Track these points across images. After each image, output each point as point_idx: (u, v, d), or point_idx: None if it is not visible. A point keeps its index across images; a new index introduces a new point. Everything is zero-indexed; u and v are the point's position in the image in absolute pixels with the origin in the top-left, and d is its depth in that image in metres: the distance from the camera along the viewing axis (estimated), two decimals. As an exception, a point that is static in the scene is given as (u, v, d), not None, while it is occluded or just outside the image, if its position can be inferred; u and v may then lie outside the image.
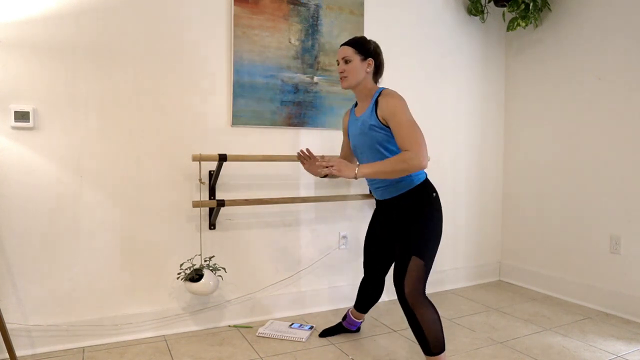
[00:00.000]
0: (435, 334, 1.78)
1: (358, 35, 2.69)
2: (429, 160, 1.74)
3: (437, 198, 1.93)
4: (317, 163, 1.94)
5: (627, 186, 2.61)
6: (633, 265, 2.59)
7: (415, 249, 1.83)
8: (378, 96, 1.90)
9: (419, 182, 1.90)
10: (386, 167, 1.73)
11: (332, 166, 1.80)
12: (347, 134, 2.19)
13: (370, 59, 1.95)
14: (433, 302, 2.85)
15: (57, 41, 2.06)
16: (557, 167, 2.99)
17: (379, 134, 1.86)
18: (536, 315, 2.63)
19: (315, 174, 2.07)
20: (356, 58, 1.93)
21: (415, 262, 1.81)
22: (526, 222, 3.22)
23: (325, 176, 2.10)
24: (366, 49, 1.95)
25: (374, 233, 2.13)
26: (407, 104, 1.88)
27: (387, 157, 1.88)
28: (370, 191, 2.78)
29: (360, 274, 2.83)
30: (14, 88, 2.00)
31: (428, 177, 1.98)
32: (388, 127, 1.84)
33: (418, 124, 1.81)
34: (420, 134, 1.74)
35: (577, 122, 2.87)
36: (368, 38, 1.99)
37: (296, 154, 1.98)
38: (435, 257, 1.92)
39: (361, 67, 1.93)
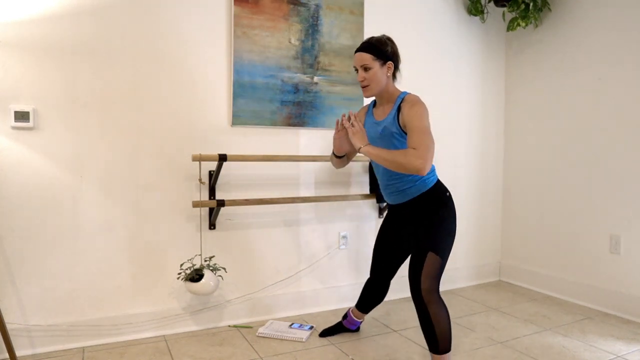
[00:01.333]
0: (445, 333, 1.79)
1: (358, 35, 2.69)
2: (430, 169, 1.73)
3: (450, 197, 1.93)
4: (344, 117, 1.89)
5: (627, 186, 2.61)
6: (633, 265, 2.59)
7: (431, 245, 1.83)
8: (401, 102, 1.85)
9: (431, 185, 1.90)
10: (387, 155, 1.73)
11: (352, 126, 1.82)
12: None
13: (389, 62, 1.88)
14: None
15: (57, 41, 2.06)
16: (557, 167, 2.99)
17: (399, 141, 1.85)
18: (536, 315, 2.63)
19: (338, 147, 2.02)
20: (376, 64, 1.85)
21: (431, 258, 1.81)
22: (526, 222, 3.22)
23: (340, 157, 2.07)
24: (384, 53, 1.86)
25: (386, 236, 2.11)
26: (429, 112, 1.84)
27: None
28: (370, 193, 2.78)
29: (360, 274, 2.83)
30: (14, 88, 2.00)
31: (439, 179, 1.97)
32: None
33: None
34: (431, 141, 1.72)
35: (577, 122, 2.87)
36: (382, 37, 1.90)
37: (342, 117, 1.92)
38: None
39: (382, 73, 1.86)
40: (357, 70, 1.91)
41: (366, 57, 1.85)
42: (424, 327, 1.81)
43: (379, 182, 2.05)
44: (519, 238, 3.27)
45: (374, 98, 2.04)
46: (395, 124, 1.84)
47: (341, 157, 2.09)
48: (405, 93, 1.90)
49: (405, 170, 1.70)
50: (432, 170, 1.95)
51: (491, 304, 2.85)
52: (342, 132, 1.99)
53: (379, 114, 1.97)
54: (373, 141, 1.95)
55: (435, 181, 1.93)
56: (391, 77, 1.91)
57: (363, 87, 1.89)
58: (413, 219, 1.92)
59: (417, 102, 1.81)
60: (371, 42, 1.87)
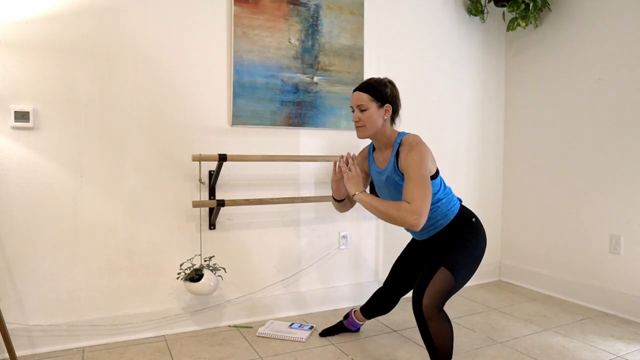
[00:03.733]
0: (444, 346, 1.73)
1: (358, 35, 2.69)
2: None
3: (477, 222, 1.87)
4: (342, 160, 1.84)
5: (627, 186, 2.61)
6: (633, 265, 2.59)
7: (446, 261, 1.75)
8: (399, 146, 1.79)
9: (454, 215, 1.85)
10: (381, 207, 1.66)
11: (349, 170, 1.77)
12: (367, 173, 2.05)
13: (387, 104, 1.81)
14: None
15: (57, 41, 2.06)
16: (557, 167, 2.99)
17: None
18: (536, 315, 2.63)
19: (336, 191, 1.95)
20: (372, 106, 1.78)
21: (443, 274, 1.72)
22: (526, 222, 3.22)
23: (340, 200, 2.00)
24: (383, 95, 1.80)
25: (409, 255, 2.06)
26: (429, 152, 1.74)
27: None
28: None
29: (360, 274, 2.83)
30: (14, 88, 2.00)
31: (463, 203, 1.90)
32: None
33: (426, 160, 1.72)
34: (428, 193, 1.64)
35: (577, 122, 2.87)
36: (384, 79, 1.84)
37: (339, 159, 1.86)
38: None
39: (378, 115, 1.79)
40: (353, 110, 1.84)
41: (363, 97, 1.79)
42: (423, 338, 1.75)
43: None
44: (519, 238, 3.27)
45: (370, 141, 2.00)
46: (396, 171, 1.79)
47: (341, 200, 2.00)
48: (402, 135, 1.83)
49: (399, 224, 1.64)
50: (451, 199, 1.87)
51: (491, 304, 2.85)
52: (339, 174, 1.91)
53: (380, 160, 1.91)
54: (380, 189, 1.90)
55: (457, 210, 1.86)
56: (388, 121, 1.84)
57: (357, 127, 1.83)
58: (438, 245, 1.86)
59: (414, 145, 1.72)
60: (370, 83, 1.82)
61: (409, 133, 1.84)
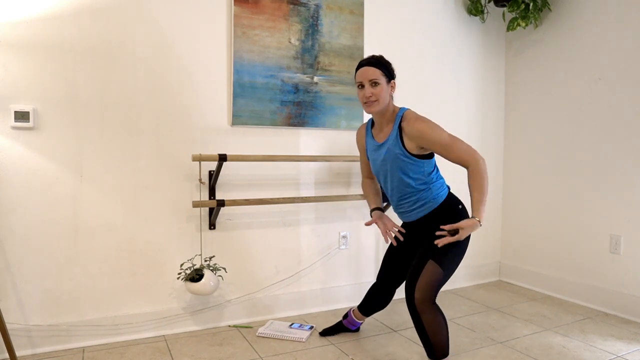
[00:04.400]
0: (440, 339, 1.75)
1: (358, 35, 2.69)
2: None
3: (463, 209, 1.90)
4: (441, 232, 1.77)
5: (626, 186, 2.61)
6: (633, 265, 2.59)
7: (434, 254, 1.79)
8: (400, 121, 1.83)
9: (442, 199, 1.89)
10: (484, 193, 1.72)
11: (457, 235, 1.72)
12: (365, 154, 2.12)
13: (393, 80, 1.87)
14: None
15: (57, 41, 2.06)
16: (557, 167, 2.99)
17: (404, 162, 1.83)
18: (536, 315, 2.63)
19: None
20: (383, 81, 1.82)
21: (431, 267, 1.77)
22: (526, 222, 3.22)
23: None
24: (391, 71, 1.86)
25: (398, 247, 2.09)
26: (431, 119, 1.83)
27: (410, 183, 1.86)
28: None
29: (360, 274, 2.83)
30: (14, 88, 2.00)
31: (451, 191, 1.93)
32: (413, 156, 1.81)
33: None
34: (463, 142, 1.76)
35: (577, 122, 2.87)
36: (382, 56, 1.88)
37: (392, 237, 1.96)
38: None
39: (387, 91, 1.84)
40: (361, 86, 1.85)
41: (376, 72, 1.81)
42: (419, 334, 1.79)
43: (390, 201, 2.03)
44: (519, 238, 3.27)
45: (371, 117, 2.02)
46: (399, 144, 1.82)
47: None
48: (403, 109, 1.87)
49: (487, 174, 1.74)
50: (442, 184, 1.93)
51: (491, 304, 2.85)
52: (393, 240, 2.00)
53: (379, 135, 1.94)
54: (380, 164, 1.92)
55: (445, 195, 1.91)
56: (392, 96, 1.89)
57: (370, 102, 1.82)
58: (424, 234, 1.90)
59: (417, 119, 1.79)
60: (378, 59, 1.84)
61: (409, 108, 1.89)
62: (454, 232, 1.72)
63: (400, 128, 1.83)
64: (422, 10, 2.97)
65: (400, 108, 1.89)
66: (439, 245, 1.73)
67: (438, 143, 1.76)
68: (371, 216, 2.08)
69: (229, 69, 2.40)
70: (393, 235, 1.97)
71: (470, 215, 1.79)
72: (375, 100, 1.81)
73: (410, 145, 1.82)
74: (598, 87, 2.75)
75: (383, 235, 1.99)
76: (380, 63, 1.83)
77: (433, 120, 1.81)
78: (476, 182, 1.73)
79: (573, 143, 2.89)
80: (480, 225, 1.73)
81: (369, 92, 1.81)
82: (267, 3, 2.44)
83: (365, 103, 1.84)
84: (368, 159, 2.06)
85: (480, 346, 2.21)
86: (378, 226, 2.02)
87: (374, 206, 2.10)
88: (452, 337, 2.32)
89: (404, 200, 1.94)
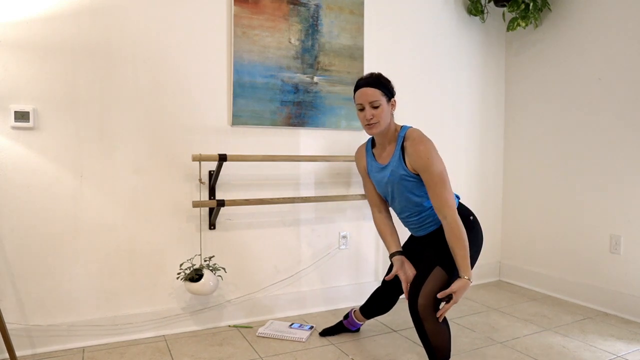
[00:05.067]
0: (442, 344, 1.73)
1: (358, 35, 2.69)
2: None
3: (475, 221, 1.87)
4: (439, 297, 1.73)
5: (626, 186, 2.61)
6: (633, 265, 2.59)
7: (442, 260, 1.76)
8: (403, 141, 1.79)
9: None
10: (465, 247, 1.69)
11: (453, 300, 1.71)
12: (367, 176, 2.04)
13: (393, 98, 1.82)
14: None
15: (57, 41, 2.06)
16: (557, 167, 2.99)
17: (411, 182, 1.80)
18: (536, 315, 2.63)
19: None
20: (383, 101, 1.77)
21: (438, 273, 1.73)
22: (526, 222, 3.22)
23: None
24: (390, 89, 1.81)
25: (406, 253, 2.05)
26: (433, 145, 1.76)
27: (418, 202, 1.83)
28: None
29: (360, 274, 2.83)
30: (14, 88, 2.00)
31: (461, 202, 1.88)
32: (417, 175, 1.78)
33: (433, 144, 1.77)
34: (450, 188, 1.71)
35: (577, 122, 2.87)
36: (380, 74, 1.84)
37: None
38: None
39: (388, 110, 1.79)
40: (361, 108, 1.80)
41: (376, 93, 1.76)
42: (420, 337, 1.76)
43: (397, 216, 2.00)
44: (519, 238, 3.27)
45: (370, 137, 1.98)
46: (402, 165, 1.78)
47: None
48: (405, 128, 1.83)
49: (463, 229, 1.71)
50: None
51: (491, 304, 2.85)
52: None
53: (382, 156, 1.90)
54: (384, 186, 1.90)
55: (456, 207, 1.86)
56: (393, 115, 1.86)
57: (371, 124, 1.77)
58: (435, 243, 1.86)
59: (420, 139, 1.74)
60: (377, 78, 1.79)
61: (411, 127, 1.86)
62: (449, 297, 1.72)
63: (402, 148, 1.79)
64: (422, 10, 2.97)
65: (402, 127, 1.86)
66: (440, 320, 1.72)
67: (429, 172, 1.70)
68: (390, 260, 1.95)
69: (229, 69, 2.40)
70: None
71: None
72: (376, 122, 1.77)
73: (411, 167, 1.79)
74: (598, 87, 2.75)
75: (403, 285, 1.87)
76: (379, 82, 1.78)
77: (433, 144, 1.77)
78: (457, 238, 1.69)
79: (573, 143, 2.89)
80: (471, 283, 1.73)
81: (370, 114, 1.77)
82: (267, 3, 2.44)
83: (367, 125, 1.80)
84: (372, 181, 2.01)
85: (480, 346, 2.21)
86: (399, 277, 1.88)
87: (393, 250, 1.95)
88: (453, 337, 2.32)
89: (413, 218, 1.91)
